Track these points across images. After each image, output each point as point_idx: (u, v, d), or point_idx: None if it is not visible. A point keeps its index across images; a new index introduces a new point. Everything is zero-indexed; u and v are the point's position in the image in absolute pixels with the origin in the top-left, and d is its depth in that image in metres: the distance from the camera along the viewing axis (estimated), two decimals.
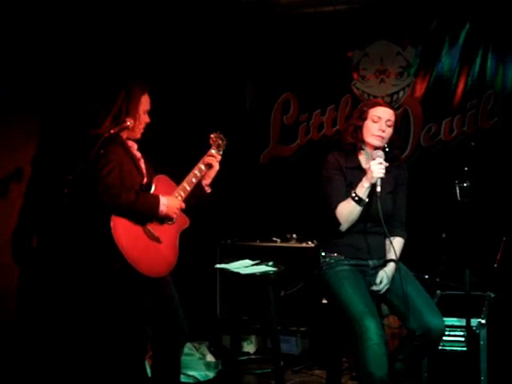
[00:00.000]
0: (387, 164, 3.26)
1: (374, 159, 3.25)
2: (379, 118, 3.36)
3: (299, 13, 5.39)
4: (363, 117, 3.40)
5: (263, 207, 5.42)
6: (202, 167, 3.41)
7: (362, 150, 3.45)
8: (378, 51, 5.29)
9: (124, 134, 3.24)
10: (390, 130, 3.39)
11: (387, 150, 3.38)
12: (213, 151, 3.47)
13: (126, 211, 3.04)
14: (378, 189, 3.20)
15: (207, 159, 3.44)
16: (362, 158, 3.45)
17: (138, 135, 3.31)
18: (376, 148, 3.36)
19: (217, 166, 3.46)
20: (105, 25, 4.35)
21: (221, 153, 3.51)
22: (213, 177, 3.47)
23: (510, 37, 4.91)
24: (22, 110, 3.91)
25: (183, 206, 3.27)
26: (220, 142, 3.52)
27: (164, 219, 3.21)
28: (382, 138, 3.36)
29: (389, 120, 3.37)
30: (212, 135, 3.52)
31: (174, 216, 3.23)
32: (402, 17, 5.17)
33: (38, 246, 4.05)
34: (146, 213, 3.12)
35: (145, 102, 3.28)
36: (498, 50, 5.00)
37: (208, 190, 3.47)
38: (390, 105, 3.58)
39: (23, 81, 3.89)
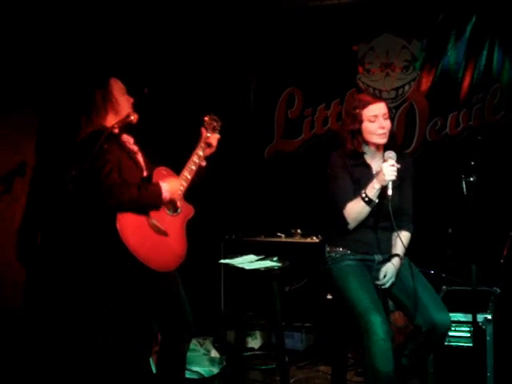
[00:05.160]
0: (399, 166, 3.20)
1: (385, 161, 3.21)
2: (375, 116, 3.28)
3: (304, 6, 5.35)
4: (358, 120, 3.30)
5: (267, 202, 5.39)
6: (200, 153, 3.35)
7: (365, 149, 3.39)
8: (383, 45, 5.24)
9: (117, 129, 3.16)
10: (388, 123, 3.32)
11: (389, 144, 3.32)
12: (208, 135, 3.38)
13: (131, 207, 3.03)
14: (390, 192, 3.15)
15: (205, 142, 3.36)
16: (366, 155, 3.40)
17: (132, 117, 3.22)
18: (382, 146, 3.34)
19: (214, 144, 3.38)
20: (107, 17, 4.33)
21: (217, 133, 3.42)
22: (209, 154, 3.40)
23: None
24: (24, 105, 3.90)
25: (184, 185, 3.23)
26: (215, 123, 3.42)
27: (174, 208, 3.21)
28: (385, 133, 3.31)
29: (385, 114, 3.30)
30: (206, 118, 3.41)
31: (179, 198, 3.21)
32: (408, 10, 5.12)
33: (42, 244, 4.04)
34: (151, 203, 3.11)
35: (117, 88, 3.22)
36: (504, 44, 4.95)
37: (203, 163, 3.38)
38: (378, 97, 3.51)
39: (24, 76, 3.87)
